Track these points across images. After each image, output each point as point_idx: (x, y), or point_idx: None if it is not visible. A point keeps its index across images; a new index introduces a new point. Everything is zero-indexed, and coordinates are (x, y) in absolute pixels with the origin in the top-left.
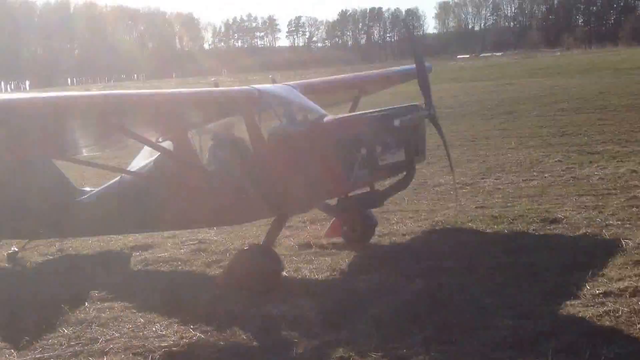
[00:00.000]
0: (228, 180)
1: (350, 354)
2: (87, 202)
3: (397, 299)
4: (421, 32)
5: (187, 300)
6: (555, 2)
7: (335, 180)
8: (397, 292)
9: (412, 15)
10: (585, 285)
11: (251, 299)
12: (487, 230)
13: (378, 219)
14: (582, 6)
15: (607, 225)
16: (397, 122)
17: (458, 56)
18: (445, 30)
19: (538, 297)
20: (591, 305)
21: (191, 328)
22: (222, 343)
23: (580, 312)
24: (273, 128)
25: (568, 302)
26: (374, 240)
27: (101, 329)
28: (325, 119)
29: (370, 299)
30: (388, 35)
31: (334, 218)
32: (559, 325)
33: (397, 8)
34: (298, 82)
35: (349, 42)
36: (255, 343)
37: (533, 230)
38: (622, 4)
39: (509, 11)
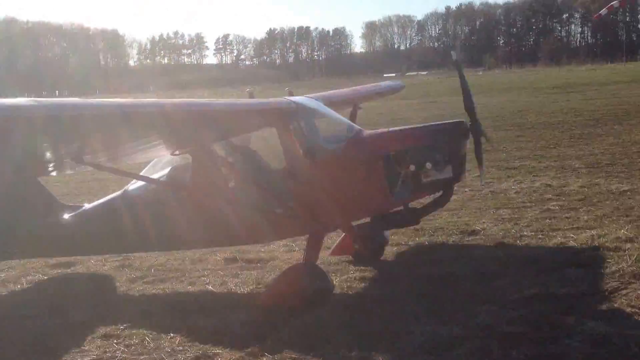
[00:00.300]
0: (255, 197)
1: None
2: (79, 220)
3: (321, 309)
4: (348, 52)
5: (112, 314)
6: (477, 23)
7: (378, 199)
8: (322, 304)
9: (340, 35)
10: (500, 292)
11: (176, 312)
12: (410, 243)
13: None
14: (503, 27)
15: (521, 236)
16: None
17: (385, 75)
18: (372, 50)
19: (456, 304)
20: (504, 311)
21: (115, 343)
22: (145, 356)
23: (493, 317)
24: (310, 142)
25: (483, 308)
26: (295, 255)
27: None
28: (366, 134)
29: (296, 310)
30: (316, 53)
31: (344, 235)
32: (473, 330)
33: (323, 29)
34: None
35: (277, 60)
36: (179, 355)
37: (453, 241)
38: (540, 26)
39: (434, 32)
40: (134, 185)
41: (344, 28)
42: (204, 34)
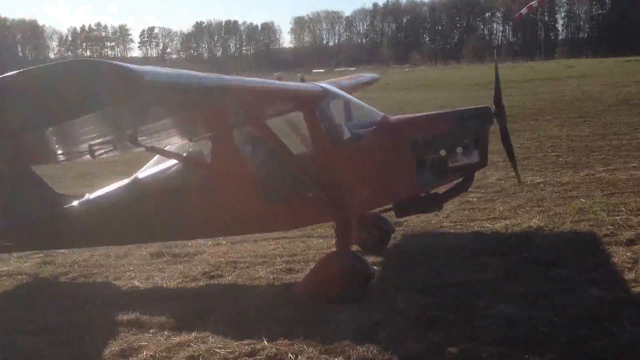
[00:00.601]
0: (279, 184)
1: (200, 352)
2: (85, 210)
3: (247, 300)
4: (277, 46)
5: (38, 311)
6: (404, 20)
7: (407, 184)
8: (247, 294)
9: (269, 30)
10: (420, 280)
11: (98, 308)
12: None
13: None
14: (428, 25)
15: (441, 226)
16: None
17: (314, 70)
18: (300, 45)
19: (378, 292)
20: (423, 297)
21: (40, 339)
22: (69, 350)
23: (413, 303)
24: (339, 127)
25: (404, 295)
26: (222, 249)
27: None
28: (393, 119)
29: (221, 301)
30: (244, 48)
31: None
32: (394, 315)
33: (252, 23)
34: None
35: (205, 55)
36: (105, 349)
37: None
38: (464, 24)
39: (362, 28)
40: (144, 172)
41: (272, 23)
42: (128, 26)
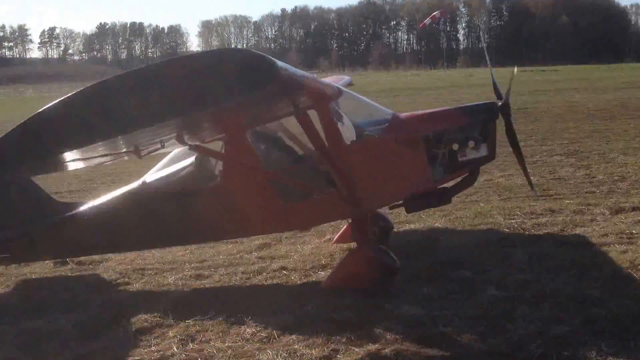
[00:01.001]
0: (293, 184)
1: None
2: (91, 215)
3: (155, 305)
4: (184, 49)
5: None
6: (312, 26)
7: (420, 179)
8: (155, 299)
9: (175, 33)
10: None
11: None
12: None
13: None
14: (336, 32)
15: None
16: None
17: None
18: (208, 49)
19: (286, 296)
20: (331, 300)
21: None
22: None
23: (321, 306)
24: (354, 125)
25: (311, 299)
26: (129, 256)
27: None
28: (403, 116)
29: (128, 308)
30: (150, 50)
31: (347, 223)
32: (302, 318)
33: (158, 25)
34: None
35: (109, 56)
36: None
37: (286, 237)
38: (370, 31)
39: (270, 33)
40: (152, 176)
41: (179, 26)
42: (27, 25)
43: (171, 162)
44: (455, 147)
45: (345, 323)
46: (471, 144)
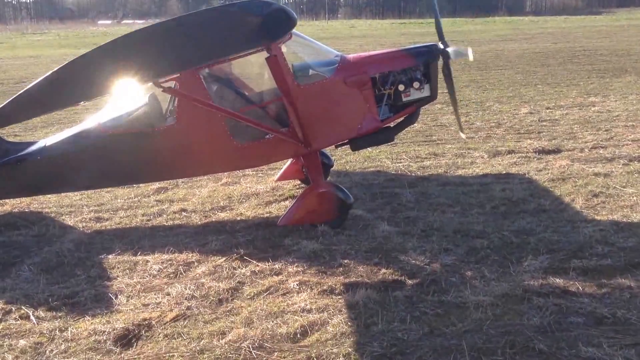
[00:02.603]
0: (247, 123)
1: (17, 297)
2: (44, 155)
3: (59, 248)
4: None
5: None
6: None
7: (369, 119)
8: (58, 240)
9: None
10: (229, 224)
11: None
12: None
13: None
14: None
15: (244, 175)
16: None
17: (99, 22)
18: None
19: (186, 236)
20: (233, 237)
21: None
22: None
23: (224, 243)
24: (301, 66)
25: (215, 237)
26: (25, 200)
27: None
28: (351, 57)
29: (30, 249)
30: None
31: (290, 161)
32: (208, 254)
33: None
34: None
35: None
36: None
37: (182, 182)
38: None
39: None
40: (106, 116)
41: None
42: None
43: (120, 103)
44: (401, 87)
45: (248, 258)
46: (416, 84)
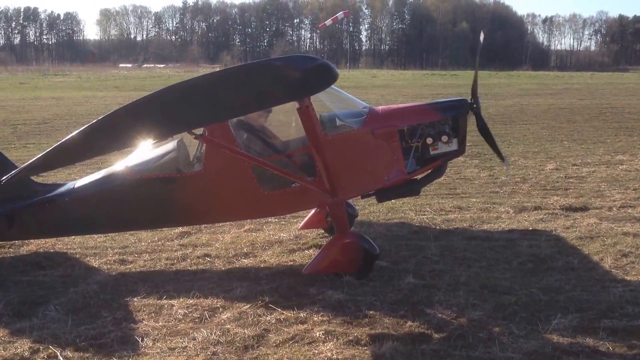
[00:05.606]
0: (273, 172)
1: (45, 337)
2: (72, 197)
3: (85, 289)
4: (81, 38)
5: None
6: (214, 20)
7: (395, 171)
8: (84, 281)
9: (72, 20)
10: (253, 270)
11: None
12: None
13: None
14: (238, 27)
15: (266, 222)
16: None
17: (120, 65)
18: (107, 38)
19: (210, 282)
20: (258, 285)
21: None
22: None
23: (249, 290)
24: (329, 116)
25: (239, 283)
26: (50, 241)
27: None
28: (380, 110)
29: (57, 289)
30: (45, 37)
31: (313, 210)
32: (232, 301)
33: (53, 11)
34: None
35: (1, 41)
36: None
37: (205, 227)
38: (274, 28)
39: (171, 25)
40: (132, 160)
41: (76, 13)
42: None
43: (149, 147)
44: (429, 141)
45: (273, 306)
46: (444, 138)
